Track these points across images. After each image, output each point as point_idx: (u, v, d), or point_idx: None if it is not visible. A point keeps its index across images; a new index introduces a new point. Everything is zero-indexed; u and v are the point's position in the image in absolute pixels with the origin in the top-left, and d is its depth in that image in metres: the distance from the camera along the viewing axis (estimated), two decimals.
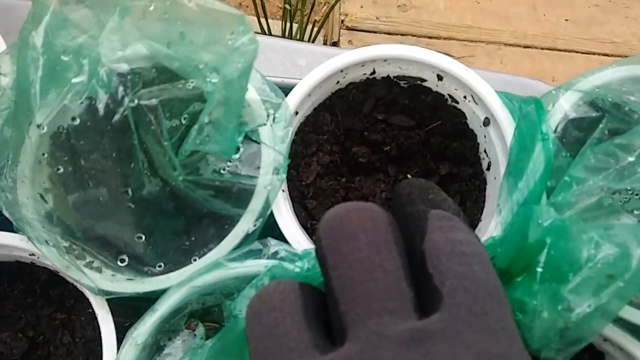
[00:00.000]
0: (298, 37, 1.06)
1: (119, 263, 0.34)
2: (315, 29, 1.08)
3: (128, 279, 0.33)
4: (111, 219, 0.32)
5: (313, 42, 1.09)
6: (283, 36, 1.04)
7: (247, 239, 0.35)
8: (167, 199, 0.33)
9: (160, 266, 0.34)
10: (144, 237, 0.33)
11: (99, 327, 0.37)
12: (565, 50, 1.46)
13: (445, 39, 1.42)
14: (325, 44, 1.27)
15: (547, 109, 0.36)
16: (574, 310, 0.28)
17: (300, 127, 0.41)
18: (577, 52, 1.45)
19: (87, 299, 0.39)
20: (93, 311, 0.38)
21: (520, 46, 1.47)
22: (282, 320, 0.17)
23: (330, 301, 0.17)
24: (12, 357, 0.39)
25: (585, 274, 0.28)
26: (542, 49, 1.47)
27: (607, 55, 1.45)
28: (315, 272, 0.33)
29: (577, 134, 0.35)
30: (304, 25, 1.05)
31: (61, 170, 0.32)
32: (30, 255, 0.38)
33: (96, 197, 0.31)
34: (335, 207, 0.18)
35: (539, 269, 0.30)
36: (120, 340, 0.37)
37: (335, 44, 1.29)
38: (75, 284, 0.39)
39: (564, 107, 0.36)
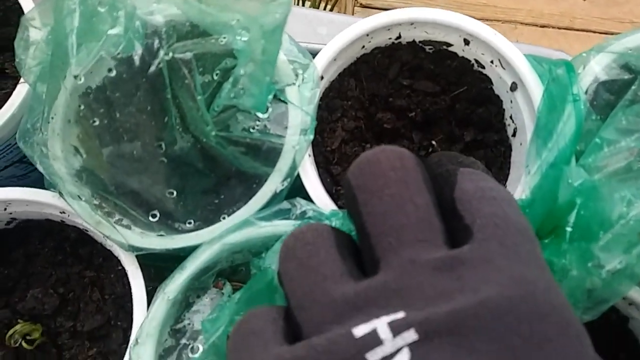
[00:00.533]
0: None
1: (150, 218, 0.34)
2: (329, 7, 1.07)
3: (158, 235, 0.34)
4: (144, 173, 0.32)
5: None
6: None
7: (274, 198, 0.35)
8: (198, 157, 0.33)
9: (190, 223, 0.35)
10: (175, 193, 0.34)
11: (128, 284, 0.38)
12: (582, 30, 1.43)
13: None
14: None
15: (577, 71, 0.36)
16: (604, 267, 0.28)
17: (325, 92, 0.41)
18: (594, 32, 1.43)
19: (116, 258, 0.40)
20: (122, 269, 0.39)
21: (536, 25, 1.45)
22: (317, 252, 0.17)
23: (362, 238, 0.18)
24: (44, 312, 0.40)
25: (616, 231, 0.28)
26: (559, 28, 1.45)
27: None
28: (345, 230, 0.33)
29: (608, 97, 0.35)
30: (317, 4, 1.04)
31: (97, 123, 0.32)
32: (60, 213, 0.39)
33: (130, 151, 0.32)
34: (362, 154, 0.19)
35: (569, 229, 0.31)
36: (148, 299, 0.37)
37: None
38: (103, 243, 0.40)
39: (595, 69, 0.35)
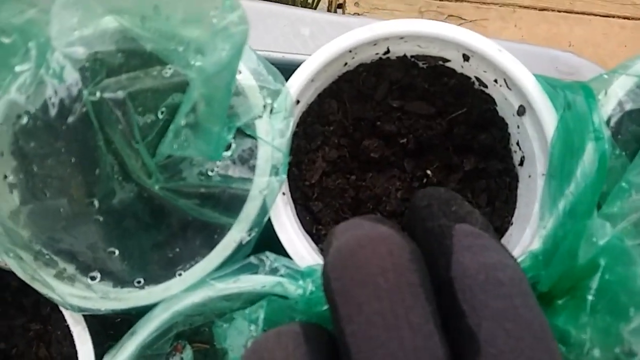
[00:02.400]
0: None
1: (89, 280, 0.29)
2: None
3: (102, 297, 0.29)
4: (75, 233, 0.27)
5: (316, 6, 1.01)
6: (283, 0, 0.97)
7: (240, 250, 0.30)
8: (144, 208, 0.28)
9: (139, 282, 0.29)
10: (117, 252, 0.28)
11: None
12: (583, 13, 1.37)
13: (457, 1, 1.33)
14: (330, 6, 1.19)
15: (597, 97, 0.30)
16: (636, 355, 0.23)
17: (302, 117, 0.36)
18: (595, 14, 1.36)
19: None
20: None
21: (535, 9, 1.38)
22: None
23: (345, 358, 0.14)
24: None
25: None
26: (559, 11, 1.38)
27: (628, 18, 1.36)
28: (320, 295, 0.28)
29: (634, 129, 0.29)
30: None
31: (10, 179, 0.26)
32: None
33: (55, 209, 0.26)
34: (346, 236, 0.15)
35: (590, 297, 0.25)
36: (101, 355, 0.32)
37: (340, 6, 1.21)
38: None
39: (618, 95, 0.30)
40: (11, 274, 0.37)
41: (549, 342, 0.14)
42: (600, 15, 1.36)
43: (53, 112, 0.23)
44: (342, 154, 0.36)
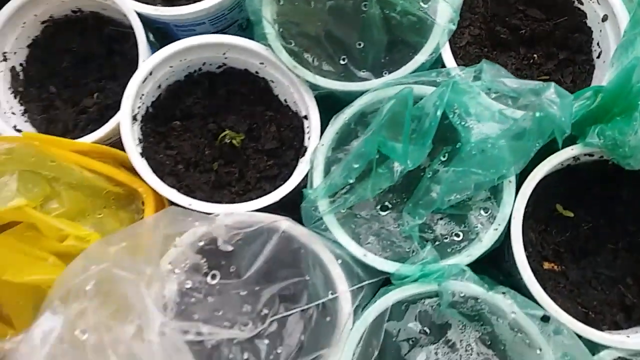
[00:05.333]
0: None
1: (340, 62, 0.50)
2: None
3: (336, 79, 0.50)
4: (347, 24, 0.48)
5: None
6: None
7: (421, 67, 0.50)
8: (381, 21, 0.49)
9: (363, 71, 0.50)
10: (362, 45, 0.49)
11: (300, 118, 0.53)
12: None
13: None
14: None
15: None
16: None
17: None
18: None
19: (289, 107, 0.55)
20: (294, 113, 0.55)
21: None
22: None
23: None
24: (238, 133, 0.56)
25: None
26: None
27: None
28: None
29: None
30: None
31: None
32: (260, 63, 0.55)
33: (342, 5, 0.48)
34: None
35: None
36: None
37: None
38: (279, 97, 0.56)
39: None
40: (261, 78, 0.58)
41: None
42: None
43: None
44: (480, 33, 0.56)
